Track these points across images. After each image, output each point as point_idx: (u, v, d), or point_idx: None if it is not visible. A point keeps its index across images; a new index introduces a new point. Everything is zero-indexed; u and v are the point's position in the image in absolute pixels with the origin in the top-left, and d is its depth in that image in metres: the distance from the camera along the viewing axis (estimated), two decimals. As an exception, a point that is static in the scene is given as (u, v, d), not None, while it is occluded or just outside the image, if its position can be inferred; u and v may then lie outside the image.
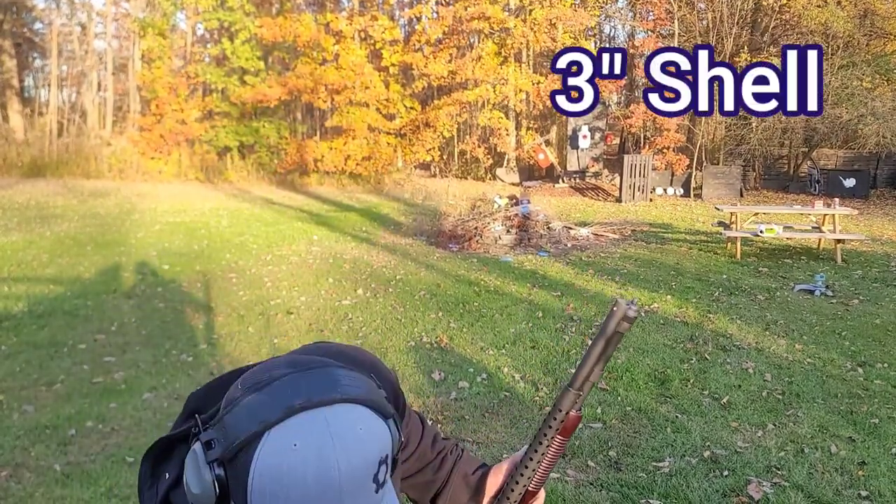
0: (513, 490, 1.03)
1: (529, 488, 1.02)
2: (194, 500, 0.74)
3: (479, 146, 21.40)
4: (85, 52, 25.85)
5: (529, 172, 21.13)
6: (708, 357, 5.33)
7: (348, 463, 0.69)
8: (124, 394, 4.75)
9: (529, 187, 18.95)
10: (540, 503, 1.07)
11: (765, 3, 19.64)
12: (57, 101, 25.71)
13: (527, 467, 1.01)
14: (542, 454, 1.00)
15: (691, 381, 4.83)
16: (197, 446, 0.74)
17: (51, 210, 14.82)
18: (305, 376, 0.75)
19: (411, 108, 22.10)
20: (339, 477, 0.68)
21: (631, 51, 23.01)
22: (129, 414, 4.39)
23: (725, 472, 3.52)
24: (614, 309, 0.92)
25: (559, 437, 0.98)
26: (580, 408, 0.97)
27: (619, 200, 16.43)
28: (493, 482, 1.12)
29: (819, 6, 16.80)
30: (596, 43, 25.87)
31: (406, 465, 1.08)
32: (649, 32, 20.76)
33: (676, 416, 4.22)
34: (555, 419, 0.97)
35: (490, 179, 21.11)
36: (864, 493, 3.32)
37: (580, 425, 4.06)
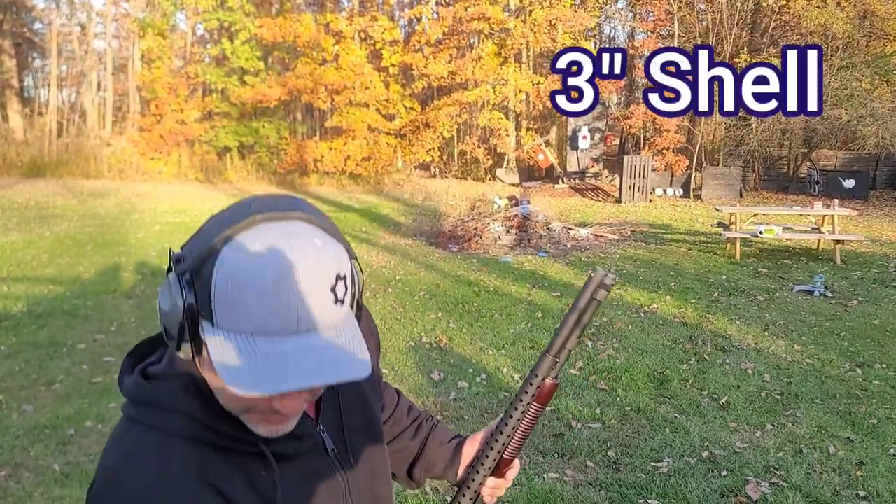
0: (487, 456, 1.03)
1: (504, 455, 1.03)
2: (165, 321, 0.77)
3: (479, 147, 21.41)
4: (85, 52, 25.86)
5: (529, 173, 21.13)
6: (707, 357, 5.33)
7: (305, 263, 0.72)
8: (123, 394, 4.75)
9: (529, 188, 18.95)
10: (514, 472, 1.08)
11: (764, 4, 19.65)
12: (57, 101, 25.72)
13: (501, 433, 1.01)
14: (518, 420, 1.00)
15: (690, 381, 4.83)
16: (170, 275, 0.77)
17: (50, 210, 14.83)
18: (271, 197, 0.79)
19: (411, 108, 22.10)
20: (295, 275, 0.71)
21: (631, 51, 23.04)
22: (128, 414, 4.39)
23: (724, 473, 3.53)
24: (591, 276, 0.94)
25: (535, 404, 0.99)
26: (557, 375, 0.98)
27: (618, 201, 16.43)
28: (469, 451, 1.13)
29: (819, 7, 16.82)
30: (596, 44, 25.88)
31: (384, 428, 1.09)
32: (649, 33, 20.77)
33: (675, 417, 4.23)
34: (531, 384, 0.98)
35: (490, 180, 21.12)
36: (862, 494, 3.33)
37: (579, 427, 4.07)
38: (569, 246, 10.60)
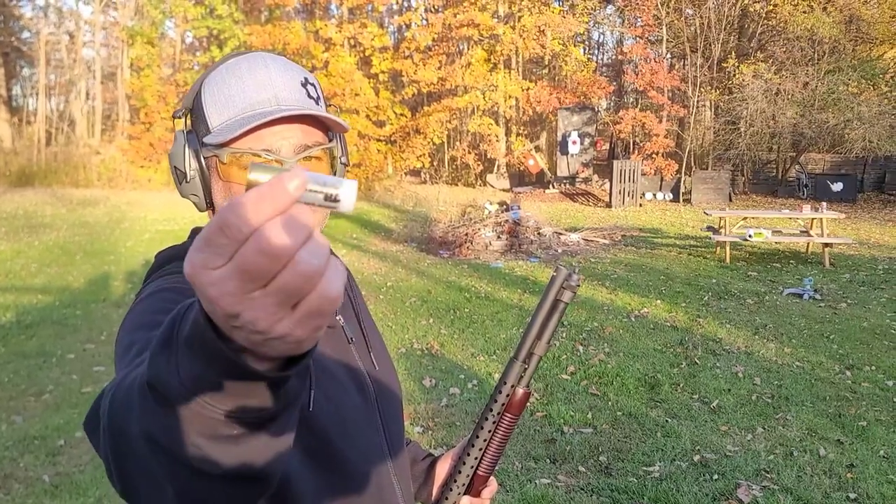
0: (459, 472, 0.97)
1: (478, 472, 0.96)
2: (176, 173, 0.89)
3: (470, 152, 21.45)
4: (73, 60, 25.79)
5: (520, 178, 21.18)
6: (698, 361, 5.35)
7: (273, 59, 0.86)
8: (114, 403, 4.72)
9: (520, 193, 18.99)
10: (491, 491, 1.02)
11: (752, 10, 19.82)
12: (45, 110, 25.62)
13: (473, 446, 0.95)
14: (490, 433, 0.94)
15: (681, 385, 4.85)
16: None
17: (39, 219, 14.75)
18: None
19: (401, 114, 22.13)
20: (266, 64, 0.85)
21: (620, 57, 23.19)
22: (118, 424, 4.36)
23: (715, 476, 3.54)
24: (554, 276, 0.89)
25: (507, 414, 0.92)
26: (528, 384, 0.92)
27: (609, 206, 16.49)
28: (443, 469, 1.09)
29: (805, 12, 16.97)
30: (585, 49, 26.03)
31: None
32: (638, 38, 20.89)
33: (666, 421, 4.24)
34: (500, 392, 0.92)
35: (480, 185, 21.15)
36: (852, 496, 3.34)
37: (570, 432, 4.07)
38: (559, 251, 10.63)
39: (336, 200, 0.44)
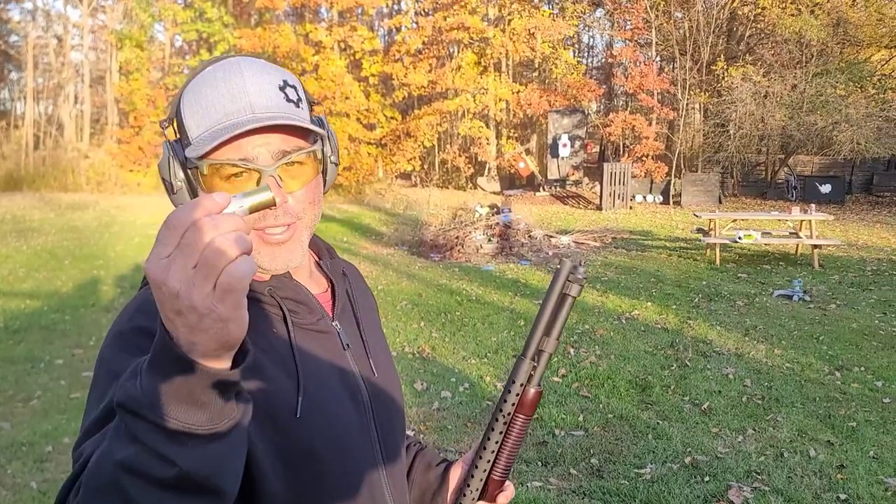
0: (472, 477, 0.94)
1: (494, 476, 0.93)
2: (165, 183, 0.89)
3: (460, 155, 21.47)
4: (61, 64, 25.64)
5: (510, 181, 21.22)
6: (688, 363, 5.36)
7: (249, 65, 0.85)
8: (102, 409, 4.69)
9: (510, 196, 19.01)
10: (508, 496, 0.98)
11: (740, 13, 19.95)
12: (33, 114, 25.44)
13: (485, 449, 0.92)
14: (502, 434, 0.91)
15: (672, 387, 4.86)
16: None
17: (27, 224, 14.64)
18: None
19: (392, 117, 22.13)
20: (243, 79, 0.83)
21: (609, 60, 23.27)
22: (107, 430, 4.33)
23: (706, 478, 3.54)
24: (558, 269, 0.87)
25: (519, 415, 0.90)
26: (539, 382, 0.90)
27: (599, 208, 16.53)
28: (457, 475, 1.06)
29: (793, 15, 17.09)
30: (574, 52, 26.12)
31: None
32: (627, 42, 20.98)
33: (658, 423, 4.25)
34: (510, 392, 0.89)
35: (471, 188, 21.17)
36: (842, 497, 3.36)
37: (562, 434, 4.07)
38: (550, 254, 10.64)
39: (272, 205, 0.60)
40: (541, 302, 0.89)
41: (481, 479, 0.94)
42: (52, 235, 13.02)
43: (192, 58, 24.48)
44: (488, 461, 0.93)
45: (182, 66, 24.65)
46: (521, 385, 0.90)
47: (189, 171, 0.86)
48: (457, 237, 10.80)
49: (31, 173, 21.98)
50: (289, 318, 0.88)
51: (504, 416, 0.90)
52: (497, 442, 0.92)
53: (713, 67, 18.90)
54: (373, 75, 21.77)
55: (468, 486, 0.94)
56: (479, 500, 0.95)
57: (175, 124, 0.88)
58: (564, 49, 22.42)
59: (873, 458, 3.75)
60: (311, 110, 0.92)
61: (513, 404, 0.90)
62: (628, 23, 20.36)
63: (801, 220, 9.66)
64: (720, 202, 17.06)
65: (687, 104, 19.06)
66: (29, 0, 26.31)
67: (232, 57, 0.88)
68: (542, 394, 0.92)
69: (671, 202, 17.24)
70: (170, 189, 0.88)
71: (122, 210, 17.36)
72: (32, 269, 9.72)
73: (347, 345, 0.95)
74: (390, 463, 0.95)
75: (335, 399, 0.89)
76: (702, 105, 20.14)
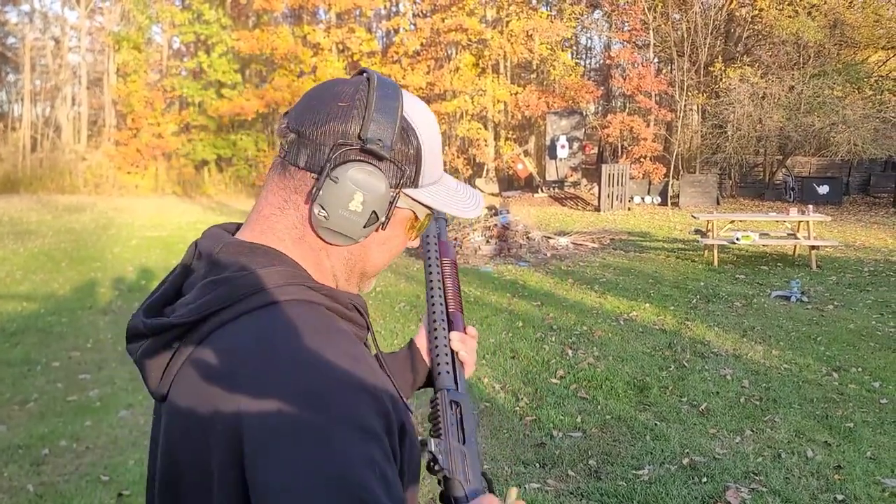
0: (435, 321, 1.02)
1: (450, 309, 1.03)
2: (346, 220, 0.85)
3: (459, 157, 21.48)
4: (59, 66, 25.62)
5: (509, 182, 21.23)
6: (686, 364, 5.37)
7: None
8: (99, 411, 4.68)
9: (509, 197, 19.02)
10: (472, 330, 1.06)
11: (738, 14, 19.99)
12: (30, 116, 25.41)
13: (432, 296, 1.03)
14: (438, 277, 1.04)
15: (670, 388, 4.86)
16: (358, 166, 0.84)
17: (24, 226, 14.63)
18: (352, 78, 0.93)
19: (390, 119, 22.13)
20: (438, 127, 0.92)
21: (607, 61, 23.30)
22: (104, 432, 4.32)
23: (704, 479, 3.54)
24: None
25: (444, 259, 1.05)
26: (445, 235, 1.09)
27: (597, 209, 16.54)
28: (421, 341, 1.10)
29: (790, 16, 17.13)
30: (573, 54, 26.14)
31: None
32: (625, 43, 21.00)
33: (655, 424, 4.25)
34: (428, 245, 1.05)
35: (470, 190, 21.15)
36: (839, 497, 3.36)
37: (560, 436, 4.07)
38: (548, 255, 10.64)
39: None
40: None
41: (443, 315, 1.03)
42: (50, 237, 13.01)
43: (190, 60, 24.46)
44: (441, 304, 1.03)
45: (180, 67, 24.65)
46: (436, 237, 1.06)
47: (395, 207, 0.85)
48: (455, 238, 10.80)
49: (28, 175, 21.95)
50: (373, 337, 0.93)
51: (435, 265, 1.04)
52: (438, 283, 1.03)
53: (711, 69, 18.92)
54: (371, 77, 21.77)
55: (436, 329, 1.02)
56: (449, 332, 1.03)
57: (400, 157, 0.83)
58: (562, 51, 22.44)
59: (870, 458, 3.76)
60: None
61: (436, 253, 1.05)
62: (626, 24, 20.39)
63: (799, 221, 9.68)
64: (718, 203, 17.08)
65: (685, 105, 19.09)
66: (26, 2, 26.22)
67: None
68: (451, 244, 1.08)
69: (669, 203, 17.25)
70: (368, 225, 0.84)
71: (119, 212, 17.35)
72: (29, 272, 9.70)
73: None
74: None
75: None
76: (700, 106, 20.17)
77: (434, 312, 1.02)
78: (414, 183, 0.85)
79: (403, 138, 0.83)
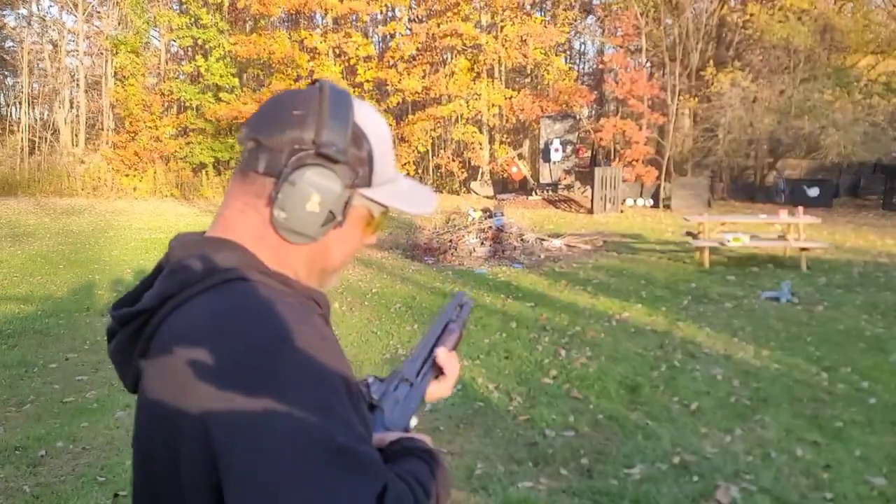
0: (427, 341, 1.08)
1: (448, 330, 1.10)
2: (302, 219, 0.91)
3: (454, 160, 21.56)
4: (57, 69, 25.60)
5: (503, 185, 21.30)
6: (677, 364, 5.42)
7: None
8: (96, 412, 4.70)
9: (503, 200, 19.09)
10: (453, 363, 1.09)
11: (729, 19, 20.11)
12: (28, 119, 25.36)
13: (433, 330, 1.10)
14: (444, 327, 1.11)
15: (661, 388, 4.91)
16: (314, 169, 0.90)
17: (22, 228, 14.61)
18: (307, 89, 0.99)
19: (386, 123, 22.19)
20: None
21: (600, 66, 23.40)
22: (100, 433, 4.35)
23: (695, 478, 3.58)
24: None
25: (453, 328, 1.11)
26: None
27: (590, 212, 16.62)
28: None
29: (781, 22, 17.25)
30: (566, 58, 26.24)
31: None
32: (618, 48, 21.12)
33: (647, 423, 4.30)
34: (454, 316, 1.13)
35: (465, 193, 21.24)
36: (829, 496, 3.39)
37: (552, 435, 4.11)
38: (542, 257, 10.71)
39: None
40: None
41: (438, 333, 1.10)
42: (48, 240, 13.00)
43: (188, 63, 24.47)
44: (438, 331, 1.10)
45: (177, 71, 24.65)
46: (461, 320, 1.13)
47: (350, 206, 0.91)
48: (450, 241, 10.86)
49: (26, 178, 21.89)
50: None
51: (449, 321, 1.12)
52: (441, 328, 1.11)
53: (702, 73, 19.04)
54: (367, 81, 21.83)
55: (426, 342, 1.09)
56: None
57: (353, 159, 0.90)
58: (556, 55, 22.55)
59: (859, 457, 3.79)
60: None
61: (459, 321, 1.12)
62: (619, 29, 20.50)
63: (789, 223, 9.75)
64: (710, 206, 17.16)
65: (677, 109, 19.20)
66: (24, 6, 26.20)
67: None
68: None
69: (661, 206, 17.34)
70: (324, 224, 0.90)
71: (117, 215, 17.34)
72: (27, 274, 9.70)
73: None
74: None
75: None
76: (691, 110, 20.29)
77: (430, 334, 1.08)
78: (368, 183, 0.91)
79: (356, 142, 0.89)
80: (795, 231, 9.70)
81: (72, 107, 25.34)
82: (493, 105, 21.29)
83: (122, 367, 0.90)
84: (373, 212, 0.94)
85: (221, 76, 22.61)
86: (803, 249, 9.37)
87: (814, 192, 17.05)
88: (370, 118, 0.93)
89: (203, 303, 0.82)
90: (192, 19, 22.58)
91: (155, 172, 22.53)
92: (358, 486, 0.73)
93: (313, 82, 0.93)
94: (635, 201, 17.91)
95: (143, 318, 0.85)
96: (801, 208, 10.18)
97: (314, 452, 0.72)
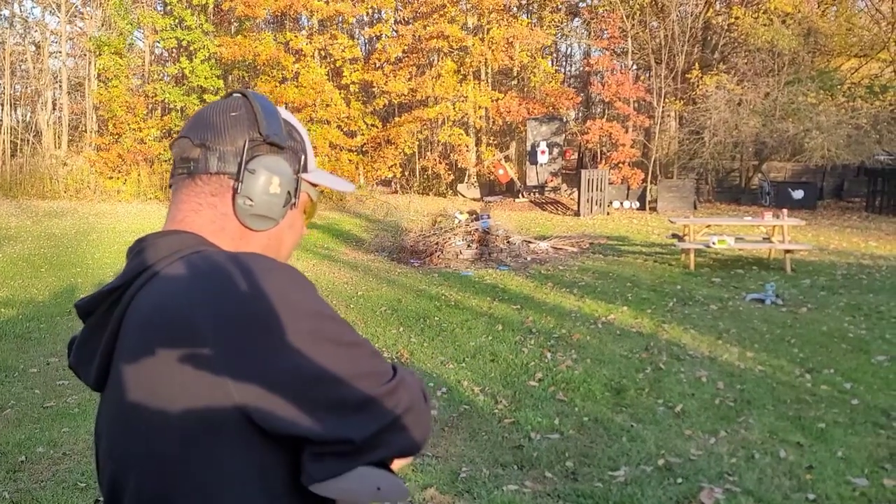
0: None
1: None
2: (264, 206, 0.99)
3: (440, 162, 21.55)
4: (39, 71, 25.35)
5: (490, 188, 21.32)
6: (662, 366, 5.44)
7: None
8: (77, 417, 4.66)
9: (490, 202, 19.11)
10: None
11: (714, 22, 20.26)
12: (10, 121, 25.09)
13: None
14: None
15: (646, 390, 4.93)
16: (264, 158, 0.99)
17: (4, 231, 14.44)
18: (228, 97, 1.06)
19: (372, 125, 22.15)
20: None
21: (587, 68, 23.50)
22: (81, 438, 4.30)
23: (679, 480, 3.59)
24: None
25: None
26: None
27: (577, 214, 16.66)
28: None
29: (765, 25, 17.40)
30: (552, 61, 26.33)
31: None
32: (604, 50, 21.21)
33: (632, 426, 4.31)
34: None
35: (451, 195, 21.24)
36: (811, 497, 3.42)
37: (538, 438, 4.10)
38: (529, 259, 10.72)
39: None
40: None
41: None
42: (29, 243, 12.87)
43: (172, 65, 24.31)
44: None
45: (162, 73, 24.48)
46: None
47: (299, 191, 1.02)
48: (436, 243, 10.84)
49: (7, 181, 21.64)
50: None
51: None
52: None
53: (688, 76, 19.16)
54: (353, 83, 21.78)
55: None
56: None
57: (292, 148, 1.01)
58: (542, 58, 22.61)
59: (841, 458, 3.82)
60: None
61: None
62: (605, 32, 20.58)
63: (774, 226, 9.82)
64: (695, 208, 17.27)
65: (662, 112, 19.30)
66: (6, 7, 25.93)
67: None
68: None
69: (647, 208, 17.42)
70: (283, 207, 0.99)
71: (100, 217, 17.19)
72: (8, 278, 9.60)
73: None
74: None
75: None
76: (677, 113, 20.41)
77: None
78: (305, 168, 1.02)
79: (290, 133, 1.00)
80: (780, 233, 9.76)
81: (54, 108, 25.08)
82: (479, 107, 21.30)
83: (86, 365, 0.94)
84: (311, 196, 1.05)
85: (206, 78, 22.46)
86: (788, 251, 9.44)
87: (798, 194, 17.19)
88: (290, 116, 1.03)
89: (171, 274, 0.86)
90: (177, 21, 22.43)
91: (139, 175, 22.33)
92: (377, 359, 0.92)
93: (231, 93, 1.00)
94: (622, 203, 17.97)
95: (115, 296, 0.89)
96: (785, 210, 10.25)
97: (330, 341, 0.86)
